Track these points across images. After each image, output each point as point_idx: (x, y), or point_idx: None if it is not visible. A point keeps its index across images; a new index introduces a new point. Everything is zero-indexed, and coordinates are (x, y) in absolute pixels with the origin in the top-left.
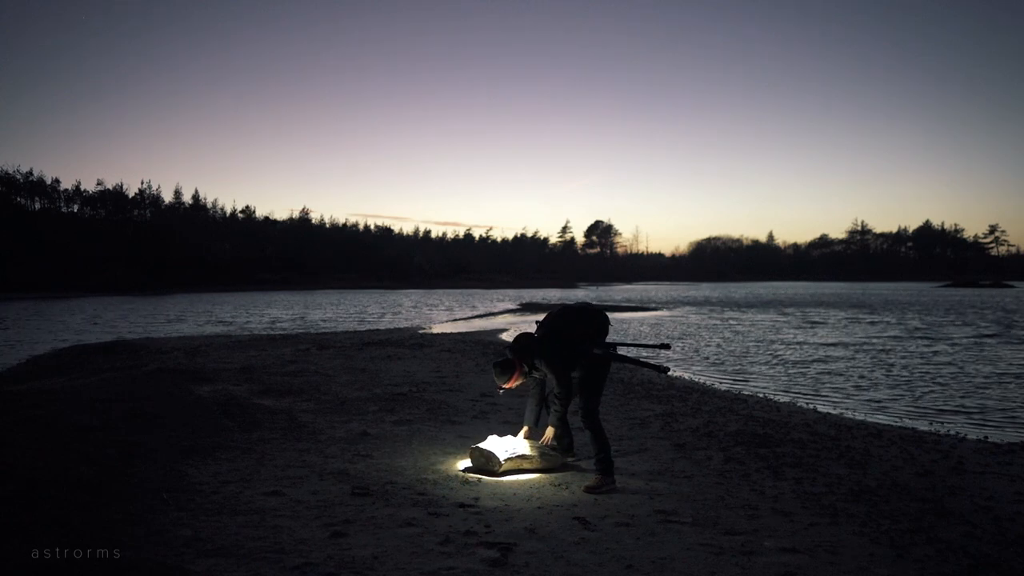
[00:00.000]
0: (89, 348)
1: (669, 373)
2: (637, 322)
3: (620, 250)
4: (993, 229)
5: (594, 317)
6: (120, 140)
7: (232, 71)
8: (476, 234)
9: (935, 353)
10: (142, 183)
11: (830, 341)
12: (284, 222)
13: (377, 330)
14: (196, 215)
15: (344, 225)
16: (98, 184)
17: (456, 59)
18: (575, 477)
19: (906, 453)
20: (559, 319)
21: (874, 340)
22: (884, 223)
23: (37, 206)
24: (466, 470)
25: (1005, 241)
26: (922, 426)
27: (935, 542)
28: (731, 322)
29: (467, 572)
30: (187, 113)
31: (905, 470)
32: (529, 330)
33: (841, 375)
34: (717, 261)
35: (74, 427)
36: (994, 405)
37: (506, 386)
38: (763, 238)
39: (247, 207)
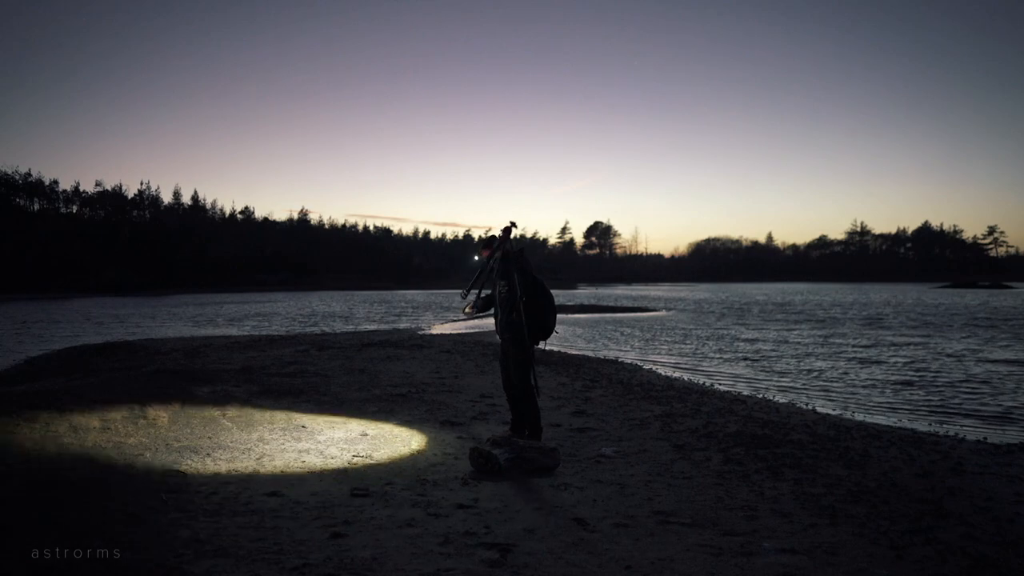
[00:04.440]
0: (88, 349)
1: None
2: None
3: (619, 251)
4: (992, 230)
5: (552, 311)
6: (119, 141)
7: (232, 72)
8: (475, 234)
9: (935, 355)
10: (141, 184)
11: (831, 342)
12: (283, 223)
13: (376, 331)
14: (195, 216)
15: (343, 226)
16: (97, 185)
17: (456, 60)
18: (574, 478)
19: (905, 454)
20: (544, 289)
21: (874, 341)
22: (883, 224)
23: (36, 207)
24: (467, 473)
25: (1004, 242)
26: (921, 427)
27: (934, 543)
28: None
29: (466, 573)
30: (187, 113)
31: (904, 471)
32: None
33: (840, 376)
34: (716, 262)
35: (73, 428)
36: (993, 406)
37: (484, 253)
38: (762, 239)
39: (246, 207)
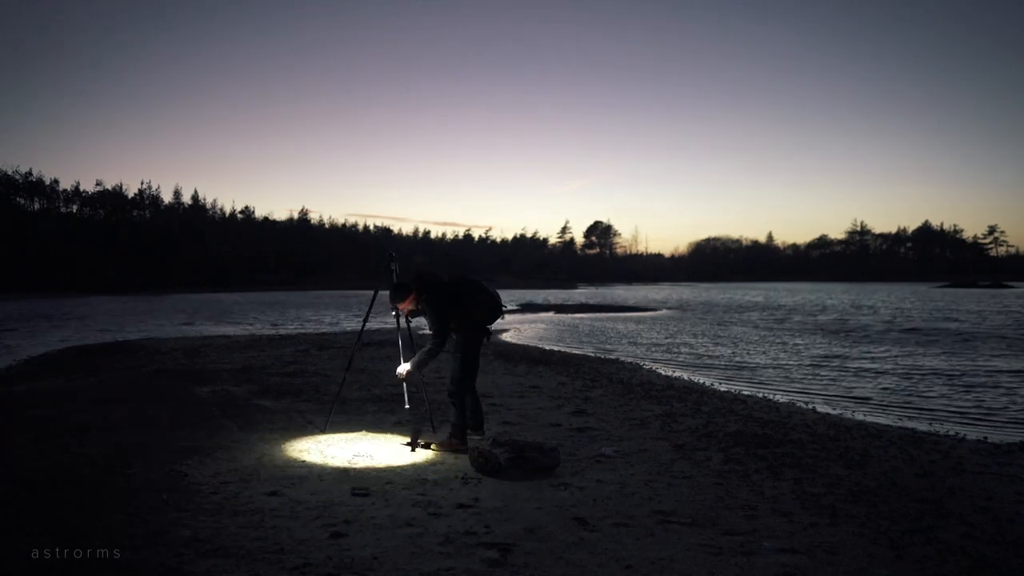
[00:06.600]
0: (89, 349)
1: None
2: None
3: (619, 251)
4: (992, 230)
5: (491, 300)
6: (119, 140)
7: (231, 71)
8: (475, 234)
9: (934, 354)
10: (141, 183)
11: (831, 342)
12: (283, 222)
13: (376, 330)
14: (195, 215)
15: (343, 225)
16: (97, 184)
17: (455, 60)
18: (574, 477)
19: (905, 454)
20: (468, 285)
21: (874, 341)
22: (883, 224)
23: (36, 206)
24: (467, 473)
25: (1004, 242)
26: (921, 427)
27: (934, 543)
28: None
29: (467, 572)
30: (187, 113)
31: (904, 471)
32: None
33: (840, 375)
34: (716, 262)
35: (74, 427)
36: (993, 406)
37: (400, 306)
38: (762, 239)
39: (246, 207)
